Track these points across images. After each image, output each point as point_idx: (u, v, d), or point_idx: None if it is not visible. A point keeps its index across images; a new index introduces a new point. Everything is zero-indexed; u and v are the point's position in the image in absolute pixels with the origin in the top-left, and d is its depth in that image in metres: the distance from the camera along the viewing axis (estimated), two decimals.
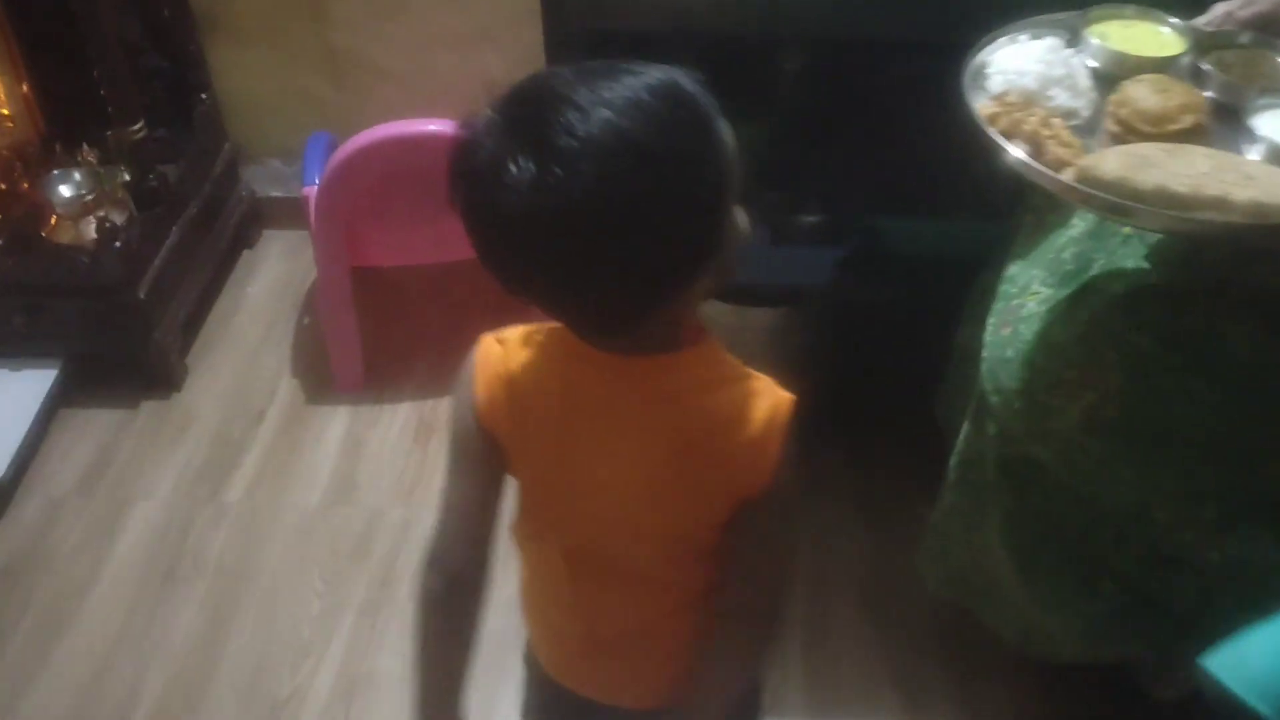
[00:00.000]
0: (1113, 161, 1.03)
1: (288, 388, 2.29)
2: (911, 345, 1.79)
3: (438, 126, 2.01)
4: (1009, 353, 1.27)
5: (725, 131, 0.80)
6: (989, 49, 1.24)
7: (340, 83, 2.45)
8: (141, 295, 2.14)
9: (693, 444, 0.90)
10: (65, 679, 1.78)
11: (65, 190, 2.15)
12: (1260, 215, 0.98)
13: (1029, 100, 1.13)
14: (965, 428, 1.41)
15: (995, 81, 1.19)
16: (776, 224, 1.69)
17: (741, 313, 2.13)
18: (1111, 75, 1.20)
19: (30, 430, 2.11)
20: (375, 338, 2.30)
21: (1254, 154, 1.10)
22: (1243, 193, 0.99)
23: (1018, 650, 1.53)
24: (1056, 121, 1.11)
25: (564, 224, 0.75)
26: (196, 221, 2.36)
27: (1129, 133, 1.11)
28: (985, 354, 1.32)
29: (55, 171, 2.16)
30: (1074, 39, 1.25)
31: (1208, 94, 1.17)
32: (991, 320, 1.36)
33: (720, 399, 0.90)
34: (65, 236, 2.14)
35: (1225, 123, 1.15)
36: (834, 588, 1.84)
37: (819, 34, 1.55)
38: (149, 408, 2.25)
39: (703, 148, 0.79)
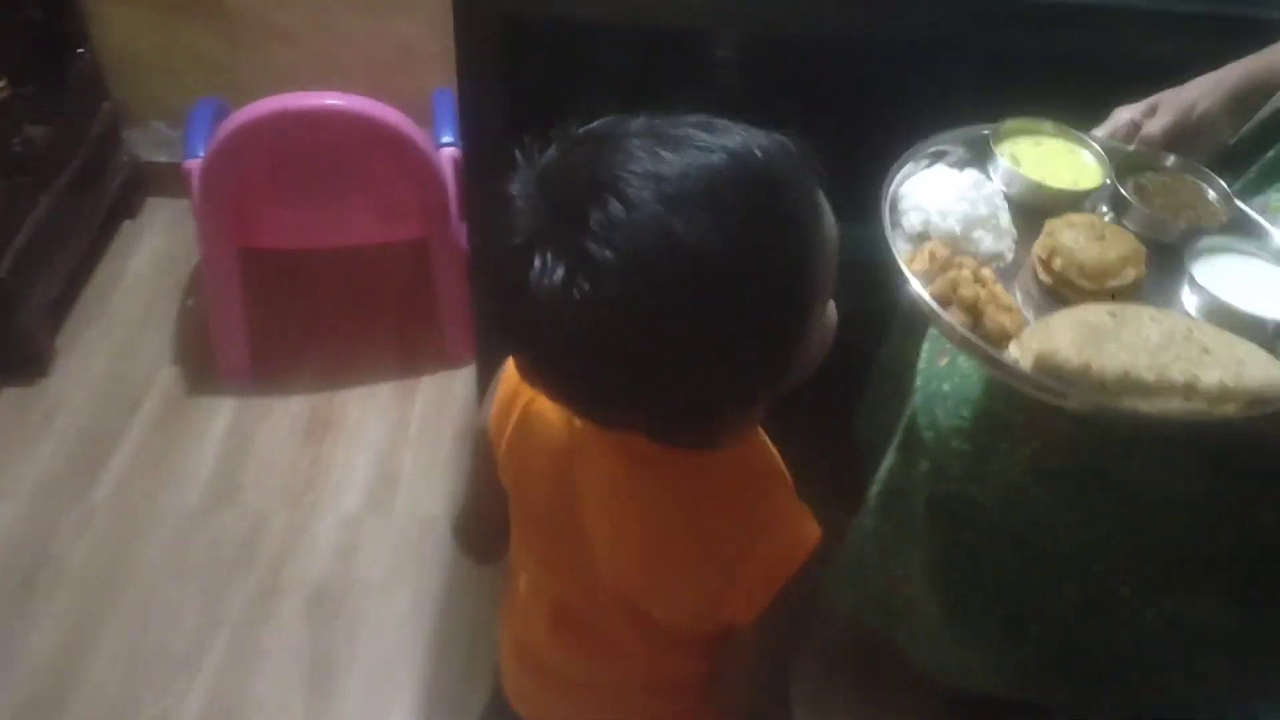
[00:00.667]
0: (1066, 339, 0.92)
1: (167, 376, 2.12)
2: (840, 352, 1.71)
3: (340, 101, 1.85)
4: (946, 387, 1.19)
5: (821, 222, 0.67)
6: (900, 177, 1.11)
7: (235, 42, 2.26)
8: (2, 274, 1.94)
9: (699, 552, 0.79)
10: None
11: None
12: (1227, 399, 0.91)
13: (954, 248, 1.02)
14: (892, 457, 1.33)
15: (912, 219, 1.06)
16: None
17: None
18: (1026, 205, 1.10)
19: None
20: (265, 324, 2.14)
21: (1190, 304, 1.02)
22: (1208, 374, 0.91)
23: (931, 677, 1.47)
24: (987, 273, 0.99)
25: (589, 345, 0.63)
26: (69, 190, 2.16)
27: (1063, 286, 1.01)
28: (919, 384, 1.23)
29: None
30: (981, 156, 1.13)
31: (1132, 226, 1.09)
32: (926, 346, 1.27)
33: (742, 517, 0.79)
34: None
35: (1157, 264, 1.05)
36: None
37: (756, 27, 1.43)
38: (11, 395, 2.06)
39: (784, 253, 0.64)
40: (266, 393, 2.09)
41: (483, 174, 1.51)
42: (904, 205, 1.05)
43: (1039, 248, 1.03)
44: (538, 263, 0.61)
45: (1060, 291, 1.01)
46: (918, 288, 0.96)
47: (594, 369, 0.65)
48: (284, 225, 2.00)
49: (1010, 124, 1.15)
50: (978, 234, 1.02)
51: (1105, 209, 1.10)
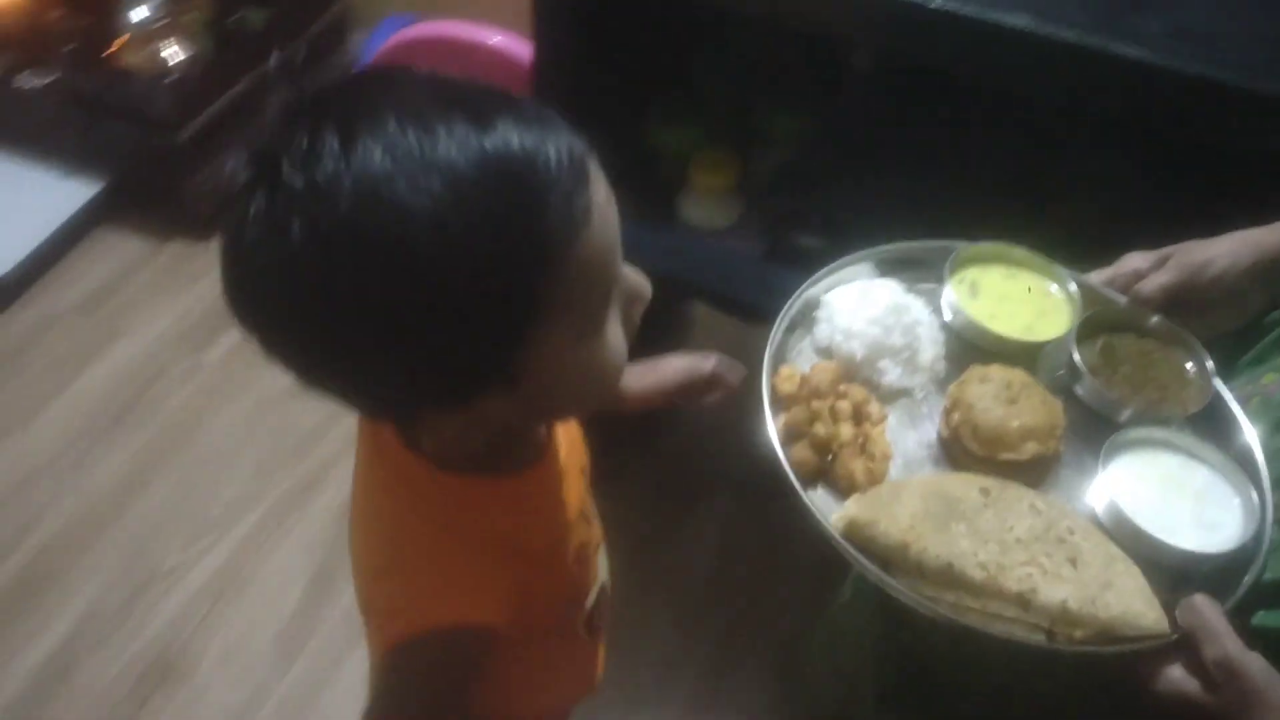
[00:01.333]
0: (905, 510, 0.79)
1: None
2: None
3: (498, 39, 1.88)
4: None
5: (573, 247, 0.60)
6: (830, 283, 0.98)
7: None
8: (186, 135, 2.14)
9: (370, 550, 0.77)
10: None
11: (140, 11, 2.14)
12: (1071, 622, 0.76)
13: (852, 374, 0.90)
14: None
15: (820, 331, 0.94)
16: (777, 240, 1.48)
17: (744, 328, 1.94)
18: (971, 344, 0.95)
19: (53, 238, 2.18)
20: None
21: (1098, 503, 0.85)
22: (1053, 589, 0.76)
23: None
24: (874, 410, 0.86)
25: (278, 295, 0.59)
26: (274, 75, 2.32)
27: (954, 444, 0.87)
28: None
29: None
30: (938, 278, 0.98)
31: (1081, 394, 0.91)
32: None
33: (400, 544, 0.74)
34: (133, 59, 2.14)
35: (1090, 441, 0.88)
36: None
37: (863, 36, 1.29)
38: (175, 248, 2.28)
39: (497, 260, 0.58)
40: None
41: None
42: (821, 313, 0.94)
43: (948, 395, 0.89)
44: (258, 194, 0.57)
45: (952, 451, 0.88)
46: (766, 411, 0.84)
47: (286, 328, 0.61)
48: None
49: (978, 247, 0.99)
50: (883, 364, 0.90)
51: (1063, 369, 0.92)
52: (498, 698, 0.81)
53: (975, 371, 0.89)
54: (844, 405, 0.86)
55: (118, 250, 2.26)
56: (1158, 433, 0.87)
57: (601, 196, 0.63)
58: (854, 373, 0.89)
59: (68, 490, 1.86)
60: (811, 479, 0.83)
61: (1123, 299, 0.96)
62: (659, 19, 1.41)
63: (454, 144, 0.56)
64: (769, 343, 0.89)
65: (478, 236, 0.57)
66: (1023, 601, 0.75)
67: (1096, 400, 0.90)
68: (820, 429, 0.82)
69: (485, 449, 0.73)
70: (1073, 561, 0.78)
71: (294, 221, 0.56)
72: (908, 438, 0.89)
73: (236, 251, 0.59)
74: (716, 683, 1.67)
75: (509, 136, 0.58)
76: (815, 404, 0.84)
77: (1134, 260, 0.96)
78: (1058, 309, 0.95)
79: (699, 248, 1.50)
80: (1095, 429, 0.88)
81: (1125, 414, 0.89)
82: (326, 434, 1.97)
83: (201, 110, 2.17)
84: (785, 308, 0.92)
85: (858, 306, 0.91)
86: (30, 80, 2.18)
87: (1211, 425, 0.90)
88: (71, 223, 2.21)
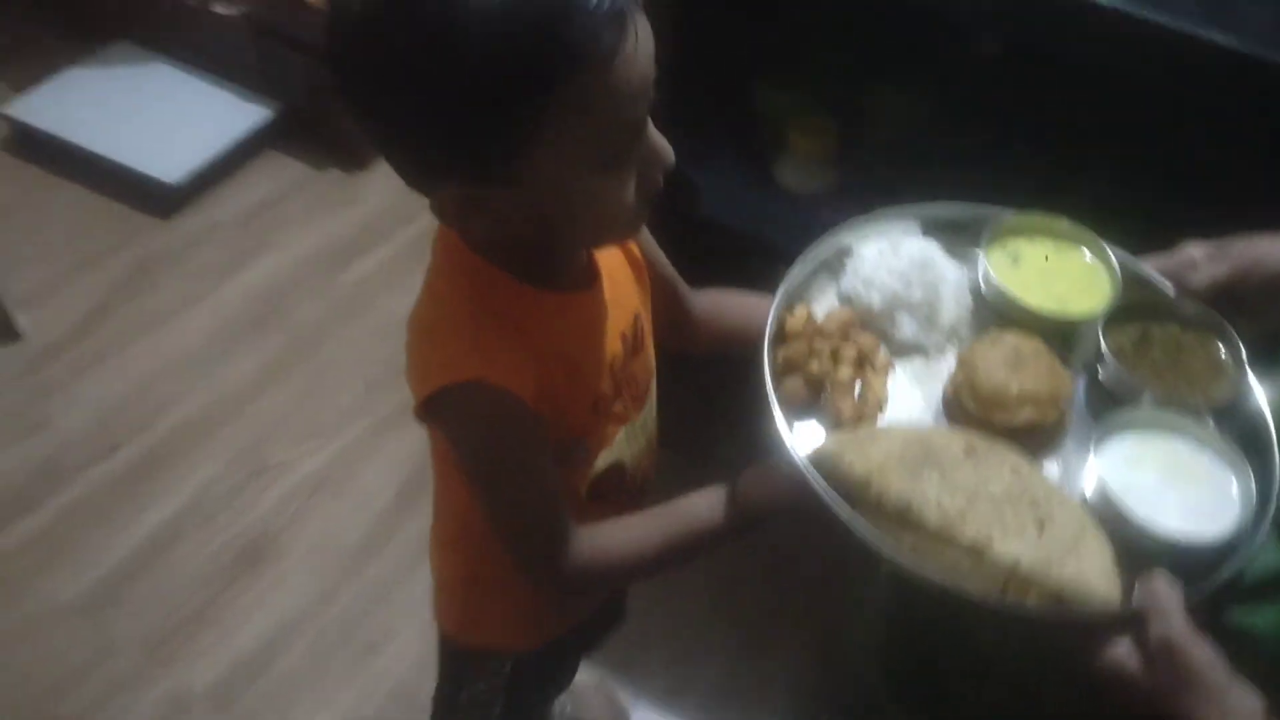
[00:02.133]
0: (880, 450, 0.79)
1: None
2: None
3: None
4: None
5: (597, 66, 0.67)
6: (863, 231, 0.96)
7: None
8: None
9: (415, 321, 0.85)
10: (129, 367, 2.04)
11: None
12: (1022, 581, 0.74)
13: (867, 323, 0.89)
14: None
15: (846, 279, 0.93)
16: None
17: None
18: (999, 313, 0.92)
19: (225, 154, 2.37)
20: None
21: (1088, 485, 0.82)
22: (1008, 544, 0.74)
23: None
24: (881, 359, 0.86)
25: (344, 43, 0.70)
26: None
27: (955, 403, 0.86)
28: None
29: None
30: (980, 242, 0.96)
31: (1103, 378, 0.88)
32: None
33: (435, 307, 0.83)
34: None
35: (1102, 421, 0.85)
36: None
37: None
38: (330, 176, 2.44)
39: (525, 50, 0.65)
40: None
41: None
42: (849, 261, 0.94)
43: (958, 355, 0.87)
44: None
45: (953, 412, 0.86)
46: (765, 341, 0.86)
47: (353, 90, 0.71)
48: None
49: (1032, 218, 0.96)
50: (900, 317, 0.89)
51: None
52: None
53: (990, 335, 0.88)
54: (849, 349, 0.86)
55: (281, 172, 2.44)
56: (1168, 416, 0.83)
57: (634, 43, 0.69)
58: (870, 322, 0.89)
59: (201, 382, 2.03)
60: (799, 412, 0.84)
61: (1172, 287, 0.92)
62: None
63: None
64: (785, 278, 0.89)
65: (508, 31, 0.64)
66: (975, 551, 0.74)
67: (1115, 383, 0.87)
68: (815, 365, 0.83)
69: (528, 260, 0.81)
70: (1040, 525, 0.76)
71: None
72: (914, 393, 0.88)
73: (330, 25, 0.70)
74: (751, 663, 1.68)
75: None
76: (818, 342, 0.85)
77: (1191, 250, 0.92)
78: (1099, 289, 0.92)
79: (790, 211, 1.50)
80: (1114, 412, 0.86)
81: (1144, 399, 0.85)
82: None
83: None
84: (811, 249, 0.93)
85: (883, 258, 0.90)
86: (225, 7, 2.37)
87: (1237, 421, 0.85)
88: (243, 142, 2.40)
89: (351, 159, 2.44)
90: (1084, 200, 1.00)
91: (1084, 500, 0.80)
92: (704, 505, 0.88)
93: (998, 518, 0.76)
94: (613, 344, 0.89)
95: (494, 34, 0.64)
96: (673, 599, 1.66)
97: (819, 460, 0.78)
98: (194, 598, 1.75)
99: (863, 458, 0.78)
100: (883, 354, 0.87)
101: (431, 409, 0.80)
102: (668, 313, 1.02)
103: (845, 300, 0.91)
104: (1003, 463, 0.80)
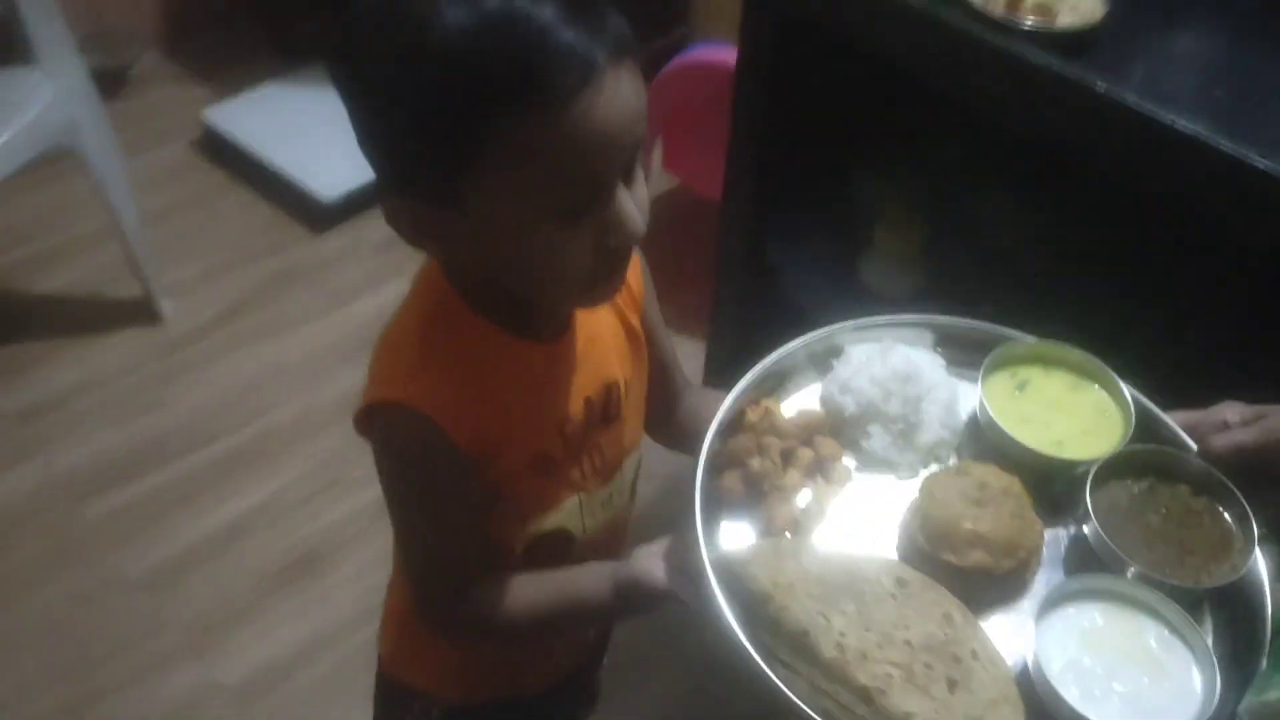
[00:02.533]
0: (793, 569, 0.72)
1: None
2: None
3: None
4: None
5: (549, 108, 0.65)
6: (866, 333, 0.90)
7: None
8: None
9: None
10: (245, 367, 2.16)
11: None
12: None
13: (833, 428, 0.82)
14: None
15: (826, 383, 0.86)
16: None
17: None
18: (995, 447, 0.83)
19: None
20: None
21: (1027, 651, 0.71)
22: (906, 700, 0.66)
23: None
24: (839, 469, 0.80)
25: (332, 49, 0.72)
26: None
27: (904, 533, 0.78)
28: None
29: None
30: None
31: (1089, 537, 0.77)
32: None
33: (393, 323, 0.83)
34: None
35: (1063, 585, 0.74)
36: None
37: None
38: None
39: (474, 76, 0.65)
40: None
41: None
42: (837, 362, 0.87)
43: (923, 481, 0.79)
44: None
45: (903, 540, 0.77)
46: (711, 429, 0.79)
47: (340, 89, 0.72)
48: (696, 168, 2.13)
49: (1048, 348, 0.87)
50: (873, 428, 0.81)
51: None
52: None
53: (959, 465, 0.79)
54: (805, 454, 0.79)
55: None
56: (1145, 592, 0.72)
57: (602, 95, 0.66)
58: (840, 429, 0.82)
59: (303, 392, 2.11)
60: (733, 510, 0.78)
61: (1194, 446, 0.80)
62: (872, 75, 1.37)
63: None
64: (757, 366, 0.84)
65: (468, 50, 0.64)
66: (866, 697, 0.66)
67: (1097, 542, 0.76)
68: (756, 463, 0.77)
69: (496, 299, 0.79)
70: (952, 685, 0.66)
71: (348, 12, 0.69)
72: (868, 514, 0.80)
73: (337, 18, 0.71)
74: None
75: (544, 13, 0.64)
76: (767, 439, 0.78)
77: (1226, 410, 0.81)
78: (1107, 435, 0.81)
79: (865, 310, 1.42)
80: (1080, 576, 0.75)
81: (1130, 570, 0.74)
82: None
83: None
84: (798, 341, 0.87)
85: (866, 363, 0.83)
86: None
87: (1232, 611, 0.73)
88: None
89: None
90: (1147, 339, 0.90)
91: (1021, 669, 0.70)
92: (592, 580, 0.84)
93: (905, 667, 0.67)
94: (568, 405, 0.86)
95: (454, 50, 0.64)
96: (649, 683, 1.59)
97: (722, 563, 0.72)
98: (244, 594, 1.80)
99: (770, 571, 0.70)
100: (841, 466, 0.80)
101: (362, 423, 0.80)
102: (652, 401, 0.98)
103: (823, 402, 0.85)
104: (935, 608, 0.71)
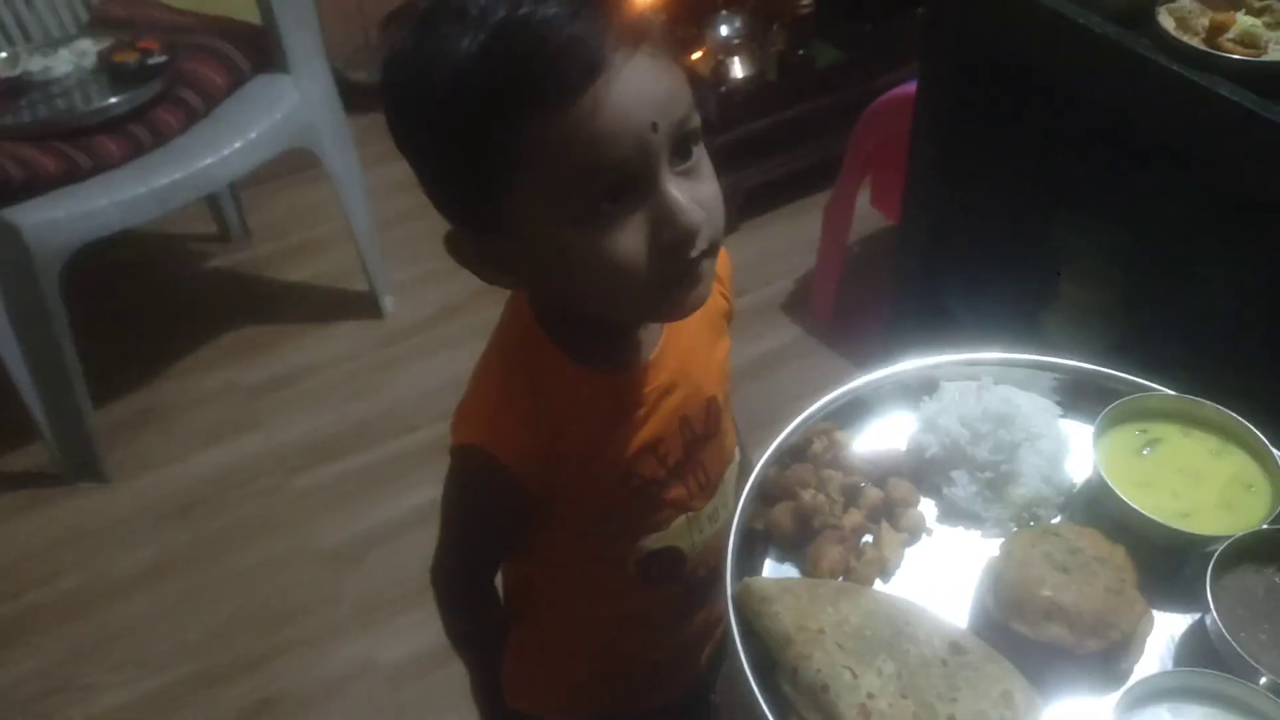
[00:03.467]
0: (828, 614, 0.65)
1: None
2: None
3: None
4: None
5: (559, 111, 0.65)
6: (963, 368, 0.80)
7: None
8: (720, 142, 2.36)
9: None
10: (451, 364, 2.25)
11: (726, 27, 2.39)
12: None
13: (895, 468, 0.74)
14: None
15: (925, 412, 0.77)
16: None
17: None
18: (1108, 512, 0.72)
19: None
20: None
21: None
22: None
23: None
24: (909, 519, 0.72)
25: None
26: (808, 119, 2.43)
27: (977, 601, 0.70)
28: None
29: (723, 11, 2.41)
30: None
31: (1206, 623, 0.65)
32: None
33: (481, 361, 0.86)
34: (701, 67, 2.41)
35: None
36: None
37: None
38: None
39: (487, 102, 0.66)
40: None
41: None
42: (927, 399, 0.78)
43: (1004, 541, 0.69)
44: None
45: (974, 604, 0.69)
46: (767, 453, 0.73)
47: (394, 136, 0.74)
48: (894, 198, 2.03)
49: (1191, 405, 0.76)
50: (957, 474, 0.73)
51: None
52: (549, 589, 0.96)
53: (1054, 525, 0.69)
54: (873, 494, 0.72)
55: None
56: (1264, 700, 0.59)
57: (611, 84, 0.65)
58: (922, 472, 0.74)
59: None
60: (780, 546, 0.72)
61: None
62: (1065, 112, 1.24)
63: (504, 8, 0.65)
64: (834, 391, 0.77)
65: (476, 70, 0.65)
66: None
67: (1219, 641, 0.64)
68: (809, 497, 0.70)
69: (574, 330, 0.79)
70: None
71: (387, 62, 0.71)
72: (939, 572, 0.71)
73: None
74: None
75: (547, 12, 0.64)
76: (828, 471, 0.72)
77: None
78: (1250, 511, 0.69)
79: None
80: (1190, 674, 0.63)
81: (1262, 679, 0.62)
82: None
83: (743, 123, 2.37)
84: (882, 371, 0.79)
85: (959, 401, 0.75)
86: None
87: None
88: None
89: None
90: None
91: None
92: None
93: (894, 696, 0.59)
94: (662, 427, 0.85)
95: (468, 70, 0.65)
96: None
97: (744, 595, 0.66)
98: (416, 579, 1.86)
99: (797, 613, 0.64)
100: (915, 514, 0.72)
101: (451, 456, 0.84)
102: None
103: (907, 441, 0.77)
104: (994, 684, 0.62)
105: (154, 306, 2.46)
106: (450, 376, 2.24)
